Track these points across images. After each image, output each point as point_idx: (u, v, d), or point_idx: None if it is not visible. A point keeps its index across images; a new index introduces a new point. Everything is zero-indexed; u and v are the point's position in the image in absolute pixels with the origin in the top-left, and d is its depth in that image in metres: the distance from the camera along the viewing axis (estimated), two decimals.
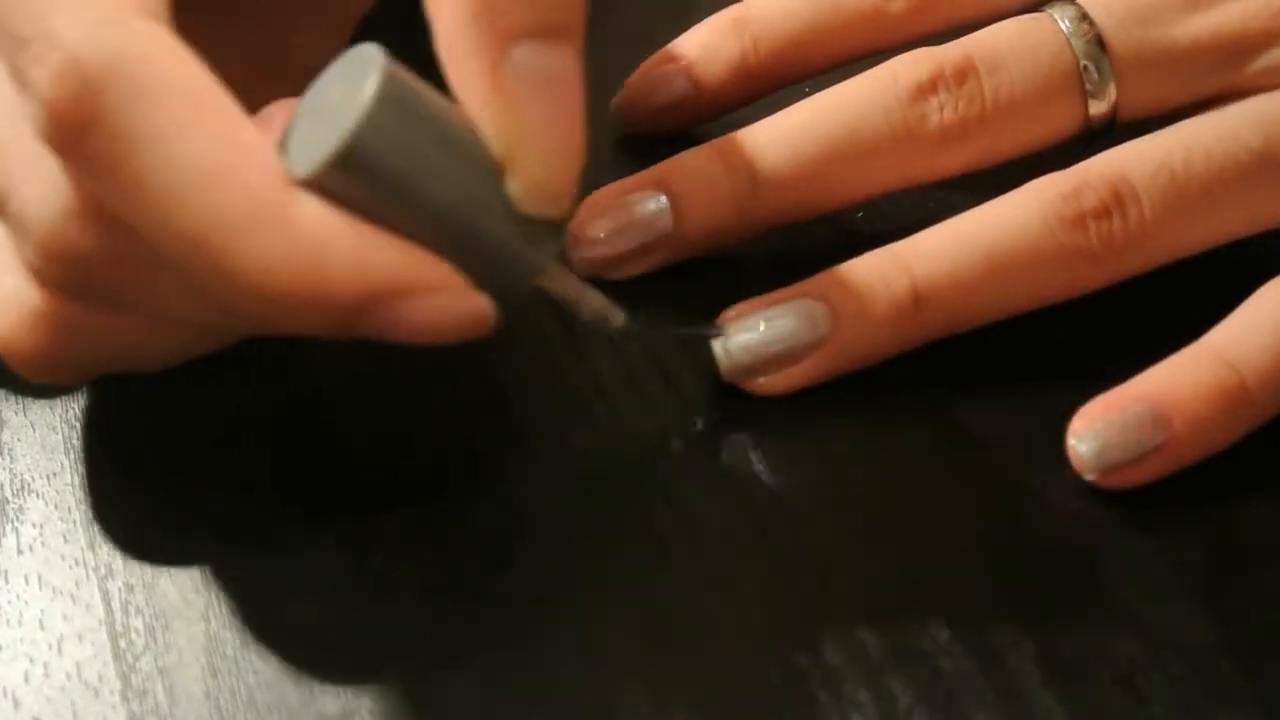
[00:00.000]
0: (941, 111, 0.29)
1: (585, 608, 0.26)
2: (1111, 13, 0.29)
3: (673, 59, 0.33)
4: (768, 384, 0.28)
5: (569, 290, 0.26)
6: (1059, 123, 0.30)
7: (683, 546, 0.26)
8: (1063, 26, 0.29)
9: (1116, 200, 0.28)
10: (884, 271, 0.28)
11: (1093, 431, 0.26)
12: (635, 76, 0.33)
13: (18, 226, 0.23)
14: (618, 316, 0.27)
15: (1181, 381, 0.27)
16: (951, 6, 0.32)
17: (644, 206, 0.30)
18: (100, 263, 0.22)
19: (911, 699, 0.24)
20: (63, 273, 0.23)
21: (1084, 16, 0.29)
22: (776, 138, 0.30)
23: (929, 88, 0.29)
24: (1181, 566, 0.26)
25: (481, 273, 0.23)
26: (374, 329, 0.22)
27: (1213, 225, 0.29)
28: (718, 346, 0.28)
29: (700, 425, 0.28)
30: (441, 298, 0.22)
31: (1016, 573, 0.26)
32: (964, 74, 0.29)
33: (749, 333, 0.28)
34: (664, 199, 0.30)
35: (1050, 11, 0.30)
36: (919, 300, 0.28)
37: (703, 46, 0.32)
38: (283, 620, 0.25)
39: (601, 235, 0.30)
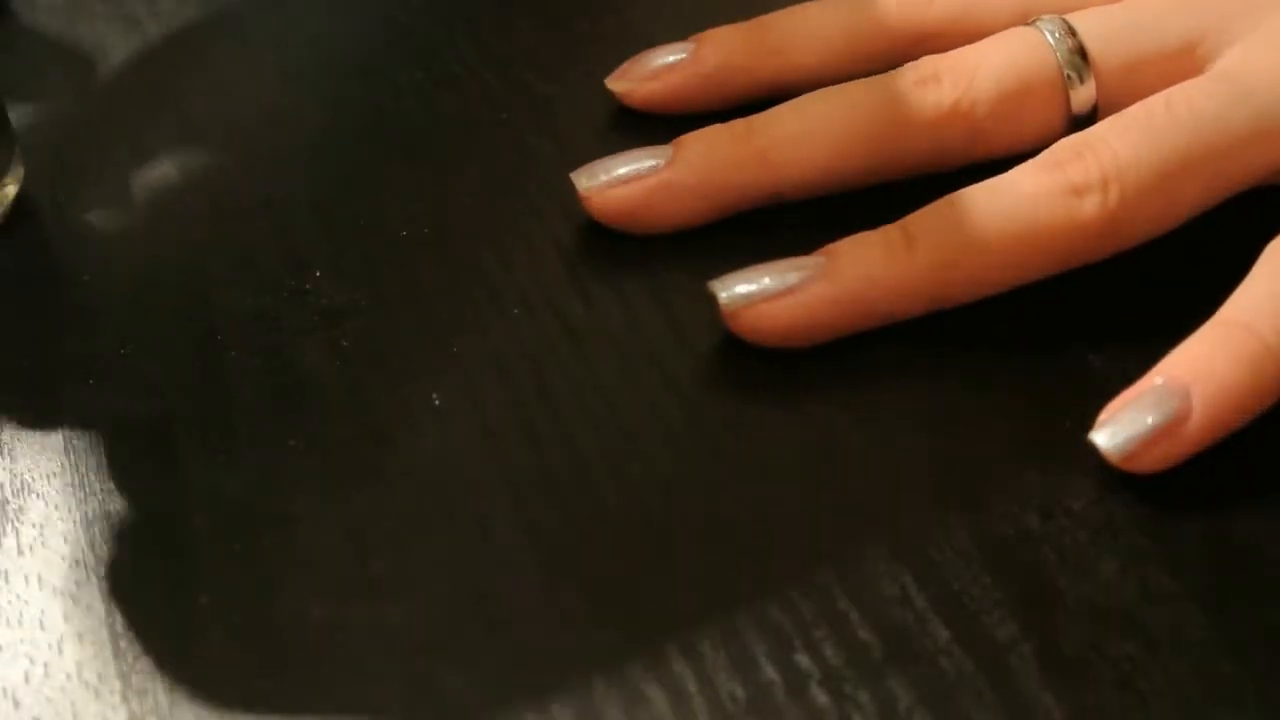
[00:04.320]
0: (936, 94, 0.31)
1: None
2: (1090, 18, 0.31)
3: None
4: (768, 313, 0.29)
5: None
6: (1044, 118, 0.31)
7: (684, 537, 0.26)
8: (1043, 31, 0.31)
9: (1086, 145, 0.29)
10: (875, 230, 0.30)
11: (1110, 419, 0.27)
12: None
13: None
14: None
15: (1197, 352, 0.27)
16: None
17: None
18: None
19: (911, 699, 0.24)
20: None
21: (1064, 25, 0.31)
22: (791, 109, 0.32)
23: (928, 79, 0.31)
24: (1181, 566, 0.26)
25: None
26: None
27: (1195, 172, 0.29)
28: (718, 289, 0.29)
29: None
30: None
31: (1016, 572, 0.26)
32: (954, 68, 0.31)
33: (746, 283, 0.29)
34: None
35: (1037, 23, 0.32)
36: (909, 237, 0.29)
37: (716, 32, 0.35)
38: (283, 619, 0.25)
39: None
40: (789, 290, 0.29)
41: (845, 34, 0.34)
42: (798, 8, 0.35)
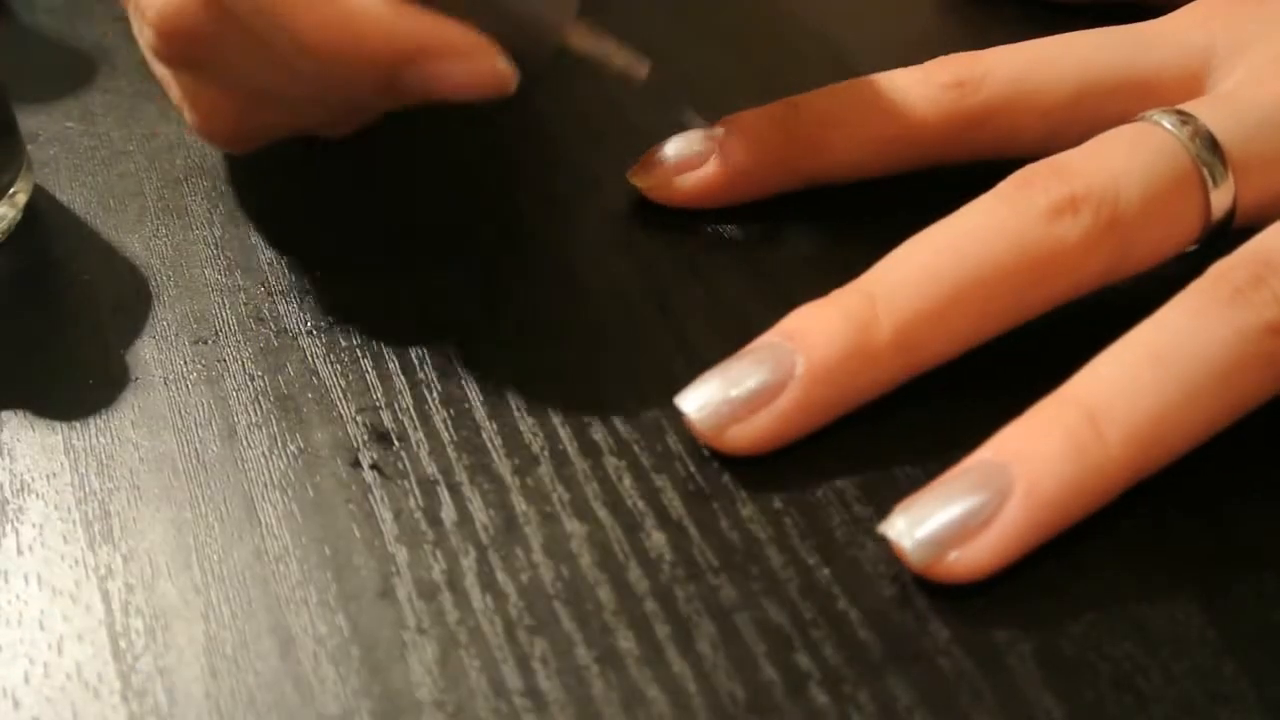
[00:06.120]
0: (1078, 226, 0.27)
1: None
2: (1212, 111, 0.28)
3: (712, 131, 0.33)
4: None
5: (593, 47, 0.28)
6: (1184, 224, 0.28)
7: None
8: (1168, 129, 0.28)
9: (1267, 266, 0.26)
10: (1048, 419, 0.26)
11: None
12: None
13: (138, 11, 0.27)
14: (641, 69, 0.29)
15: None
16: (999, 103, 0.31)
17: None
18: (200, 40, 0.27)
19: (911, 699, 0.24)
20: (171, 49, 0.27)
21: (1185, 118, 0.28)
22: (901, 263, 0.28)
23: (1063, 208, 0.27)
24: (1181, 566, 0.26)
25: (507, 36, 0.26)
26: (413, 86, 0.26)
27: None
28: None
29: None
30: (466, 59, 0.26)
31: (1016, 573, 0.26)
32: (1089, 190, 0.27)
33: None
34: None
35: (1151, 118, 0.29)
36: (1097, 429, 0.25)
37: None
38: (282, 619, 0.25)
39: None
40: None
41: (892, 125, 0.31)
42: (831, 93, 0.32)
